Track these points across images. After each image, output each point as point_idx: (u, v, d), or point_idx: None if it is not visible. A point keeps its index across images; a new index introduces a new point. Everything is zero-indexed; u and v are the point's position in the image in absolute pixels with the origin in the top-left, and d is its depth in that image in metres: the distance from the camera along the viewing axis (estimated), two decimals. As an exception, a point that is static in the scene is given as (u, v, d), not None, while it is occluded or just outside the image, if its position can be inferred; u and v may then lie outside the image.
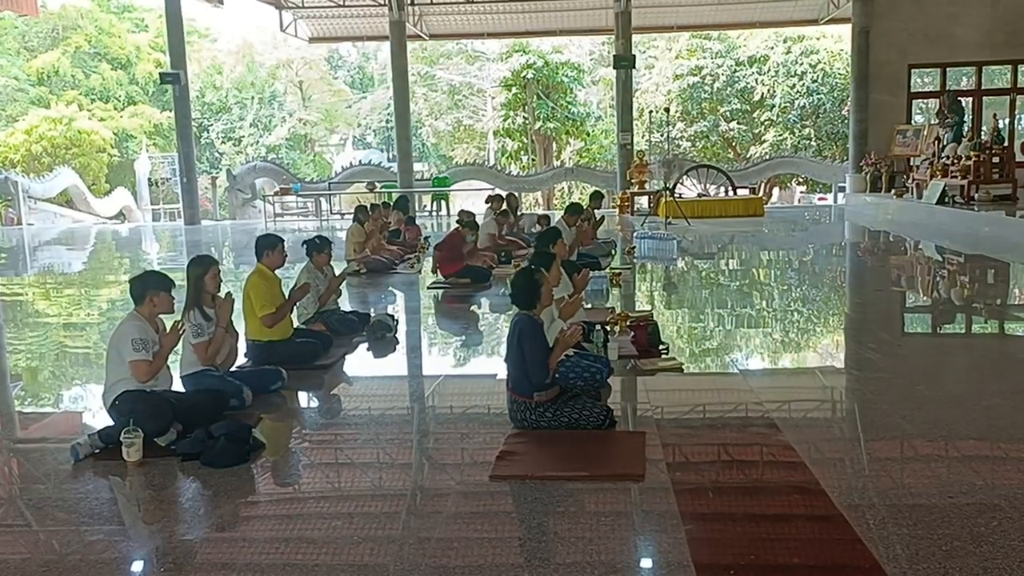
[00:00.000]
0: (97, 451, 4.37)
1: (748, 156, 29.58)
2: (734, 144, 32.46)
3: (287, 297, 6.26)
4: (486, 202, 13.99)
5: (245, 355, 6.08)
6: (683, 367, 5.82)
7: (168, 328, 4.64)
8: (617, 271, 9.84)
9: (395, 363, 6.57)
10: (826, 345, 6.96)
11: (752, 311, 8.27)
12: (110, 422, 4.53)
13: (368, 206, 12.65)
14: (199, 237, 19.14)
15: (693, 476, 3.91)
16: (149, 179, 32.05)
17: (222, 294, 5.31)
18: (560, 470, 3.91)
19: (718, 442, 4.32)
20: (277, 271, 6.33)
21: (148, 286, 4.60)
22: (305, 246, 7.13)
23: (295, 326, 6.54)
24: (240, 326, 5.96)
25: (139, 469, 4.16)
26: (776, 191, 34.21)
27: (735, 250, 13.75)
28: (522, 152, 32.63)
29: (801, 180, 31.35)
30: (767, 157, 26.05)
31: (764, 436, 4.39)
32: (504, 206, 12.83)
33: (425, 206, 24.87)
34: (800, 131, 30.01)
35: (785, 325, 7.64)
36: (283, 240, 6.35)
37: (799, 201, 33.63)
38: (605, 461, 4.02)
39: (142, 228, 24.27)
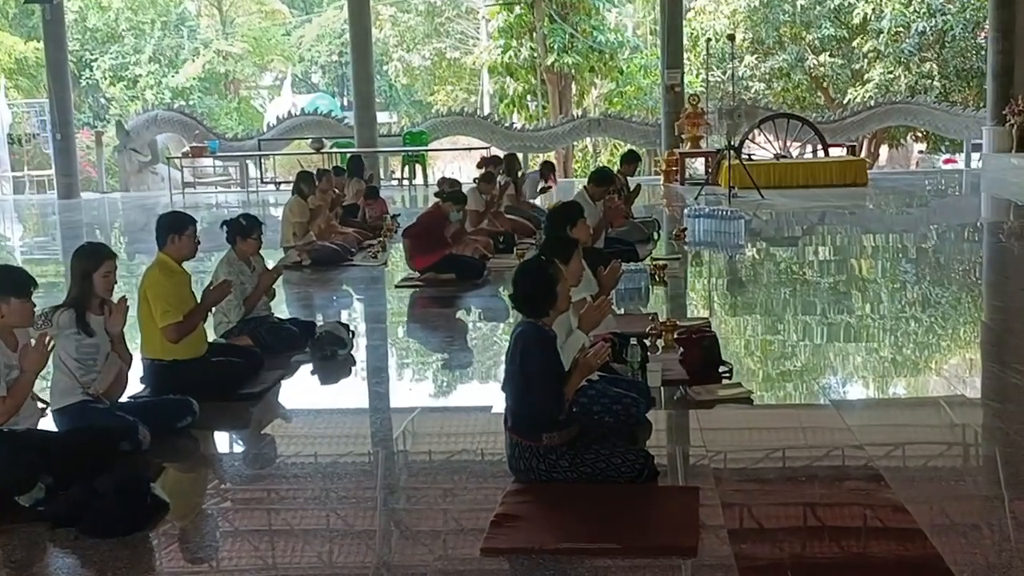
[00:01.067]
0: (-66, 513, 4.38)
1: (845, 102, 29.57)
2: (826, 85, 32.42)
3: (199, 300, 6.28)
4: (478, 166, 14.02)
5: (141, 380, 6.09)
6: (752, 396, 5.83)
7: (31, 343, 4.64)
8: (661, 262, 9.86)
9: (351, 391, 6.59)
10: (954, 366, 6.98)
11: (850, 319, 8.28)
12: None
13: (315, 172, 12.68)
14: (78, 215, 19.21)
15: (766, 549, 3.91)
16: (9, 135, 32.02)
17: (115, 298, 5.32)
18: (579, 540, 3.92)
19: (801, 501, 4.32)
20: (186, 264, 6.35)
21: None
22: (226, 229, 7.15)
23: (210, 340, 6.56)
24: (134, 340, 5.98)
25: (-7, 539, 4.17)
26: (885, 150, 34.19)
27: (826, 233, 13.77)
28: (529, 97, 32.64)
29: (920, 135, 31.33)
30: (872, 104, 26.05)
31: (866, 493, 4.39)
32: (492, 171, 12.82)
33: (393, 172, 24.91)
34: (919, 67, 29.97)
35: (897, 338, 7.65)
36: (195, 221, 6.37)
37: (917, 164, 33.64)
38: (643, 528, 4.03)
39: (0, 203, 24.35)
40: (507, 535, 3.99)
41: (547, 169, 15.62)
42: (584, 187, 10.39)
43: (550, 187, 15.47)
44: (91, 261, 5.29)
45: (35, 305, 4.75)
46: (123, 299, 5.37)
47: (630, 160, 13.18)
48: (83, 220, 18.62)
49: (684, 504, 4.23)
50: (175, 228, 6.22)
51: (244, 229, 7.14)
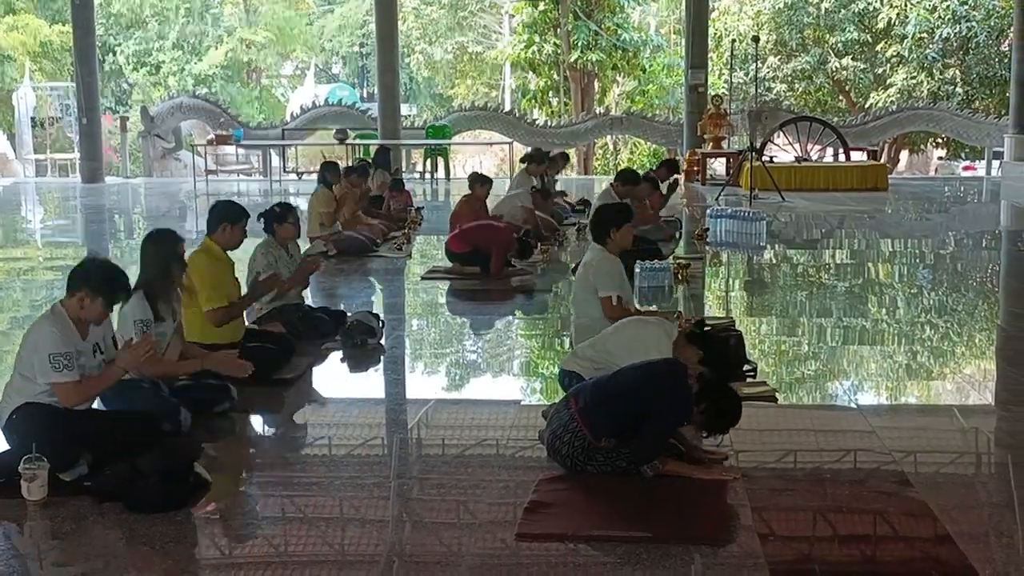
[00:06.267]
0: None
1: (867, 106, 29.53)
2: (848, 89, 32.37)
3: (248, 290, 6.40)
4: (522, 161, 14.13)
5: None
6: (776, 395, 5.93)
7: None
8: (683, 261, 9.94)
9: (379, 380, 6.71)
10: (978, 371, 7.04)
11: (867, 322, 8.36)
12: (5, 445, 4.69)
13: (352, 166, 12.77)
14: (102, 199, 19.35)
15: (793, 545, 4.02)
16: (33, 118, 32.26)
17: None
18: (612, 528, 4.04)
19: (827, 500, 4.41)
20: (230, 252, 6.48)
21: (81, 282, 4.70)
22: (262, 219, 7.27)
23: (245, 325, 6.69)
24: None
25: (43, 511, 4.31)
26: (905, 155, 34.11)
27: (846, 237, 13.82)
28: (551, 93, 32.68)
29: (941, 141, 31.27)
30: (894, 108, 26.00)
31: (893, 496, 4.47)
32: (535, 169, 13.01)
33: (415, 165, 24.99)
34: (941, 73, 29.89)
35: (914, 343, 7.72)
36: (249, 216, 6.54)
37: (937, 170, 33.56)
38: (674, 517, 4.15)
39: (21, 185, 24.51)
40: (541, 521, 4.11)
41: (561, 158, 15.73)
42: (611, 184, 10.47)
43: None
44: (169, 246, 5.44)
45: (108, 314, 4.81)
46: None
47: (668, 166, 13.07)
48: (106, 204, 18.75)
49: (713, 496, 4.34)
50: (229, 218, 6.36)
51: (279, 215, 7.29)
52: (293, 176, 23.67)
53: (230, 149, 24.46)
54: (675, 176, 13.29)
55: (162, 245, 5.42)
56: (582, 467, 4.56)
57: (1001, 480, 4.87)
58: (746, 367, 6.33)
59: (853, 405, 6.00)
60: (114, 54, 40.03)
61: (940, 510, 4.26)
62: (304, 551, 4.03)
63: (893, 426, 5.57)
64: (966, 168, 32.12)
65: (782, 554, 3.91)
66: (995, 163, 24.50)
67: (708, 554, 3.87)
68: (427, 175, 22.95)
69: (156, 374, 5.33)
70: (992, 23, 29.08)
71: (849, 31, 30.85)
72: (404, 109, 35.55)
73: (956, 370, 7.06)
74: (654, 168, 13.19)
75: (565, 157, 15.88)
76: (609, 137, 31.18)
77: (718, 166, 21.70)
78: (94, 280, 4.70)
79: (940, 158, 34.98)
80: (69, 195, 20.71)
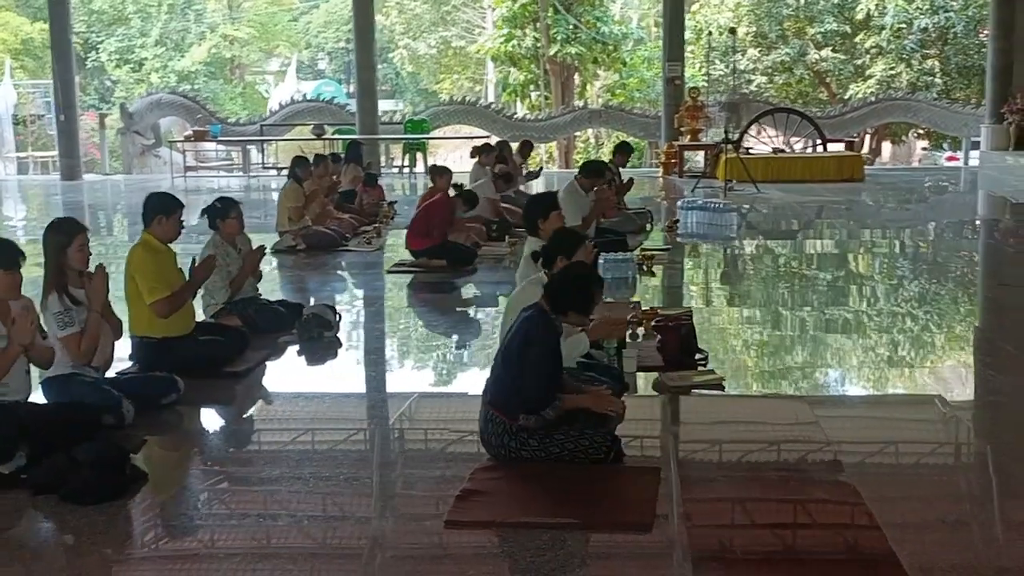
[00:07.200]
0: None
1: (847, 97, 29.60)
2: (828, 80, 32.44)
3: (188, 277, 6.39)
4: (472, 155, 14.13)
5: (129, 357, 6.22)
6: (723, 383, 5.94)
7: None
8: (649, 252, 9.95)
9: (335, 373, 6.71)
10: (929, 364, 7.03)
11: (833, 313, 8.34)
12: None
13: (312, 158, 12.76)
14: (80, 196, 19.31)
15: (722, 536, 4.03)
16: (13, 116, 32.15)
17: (92, 268, 5.40)
18: (540, 515, 4.05)
19: (763, 496, 4.40)
20: (176, 246, 6.45)
21: None
22: (206, 216, 7.24)
23: (198, 319, 6.67)
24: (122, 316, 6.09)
25: (-24, 504, 4.31)
26: (886, 146, 34.19)
27: (823, 228, 13.85)
28: (531, 86, 32.67)
29: (921, 131, 31.35)
30: (873, 99, 26.06)
31: (823, 485, 4.47)
32: (498, 161, 12.98)
33: (394, 159, 24.98)
34: (920, 63, 30.00)
35: (867, 333, 7.68)
36: (183, 205, 6.46)
37: (919, 161, 33.64)
38: (602, 504, 4.16)
39: (2, 183, 24.46)
40: (470, 509, 4.13)
41: (525, 146, 15.67)
42: (575, 178, 10.50)
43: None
44: (63, 235, 5.36)
45: (20, 278, 4.81)
46: (100, 267, 5.35)
47: (622, 151, 13.25)
48: (84, 201, 18.71)
49: (644, 484, 4.35)
50: (163, 210, 6.31)
51: (221, 211, 7.24)
52: (272, 171, 23.65)
53: (210, 145, 24.45)
54: (631, 178, 13.39)
55: (56, 235, 5.37)
56: (516, 454, 4.56)
57: (941, 475, 4.87)
58: (697, 356, 6.35)
59: (800, 395, 5.99)
60: (96, 51, 39.94)
61: (871, 499, 4.25)
62: (237, 544, 4.02)
63: (836, 416, 5.57)
64: (949, 158, 32.21)
65: (706, 542, 3.91)
66: (973, 153, 24.57)
67: (632, 541, 3.88)
68: (406, 170, 22.96)
69: (88, 353, 5.28)
70: (970, 13, 29.23)
71: (828, 22, 30.96)
72: (390, 104, 35.65)
73: (909, 362, 7.03)
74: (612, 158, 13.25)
75: (529, 144, 15.81)
76: (590, 131, 31.22)
77: (699, 159, 21.72)
78: None
79: (923, 148, 35.10)
80: (46, 192, 20.67)
